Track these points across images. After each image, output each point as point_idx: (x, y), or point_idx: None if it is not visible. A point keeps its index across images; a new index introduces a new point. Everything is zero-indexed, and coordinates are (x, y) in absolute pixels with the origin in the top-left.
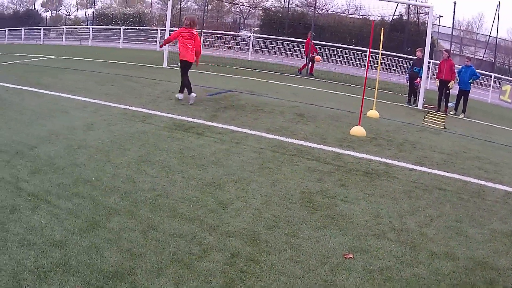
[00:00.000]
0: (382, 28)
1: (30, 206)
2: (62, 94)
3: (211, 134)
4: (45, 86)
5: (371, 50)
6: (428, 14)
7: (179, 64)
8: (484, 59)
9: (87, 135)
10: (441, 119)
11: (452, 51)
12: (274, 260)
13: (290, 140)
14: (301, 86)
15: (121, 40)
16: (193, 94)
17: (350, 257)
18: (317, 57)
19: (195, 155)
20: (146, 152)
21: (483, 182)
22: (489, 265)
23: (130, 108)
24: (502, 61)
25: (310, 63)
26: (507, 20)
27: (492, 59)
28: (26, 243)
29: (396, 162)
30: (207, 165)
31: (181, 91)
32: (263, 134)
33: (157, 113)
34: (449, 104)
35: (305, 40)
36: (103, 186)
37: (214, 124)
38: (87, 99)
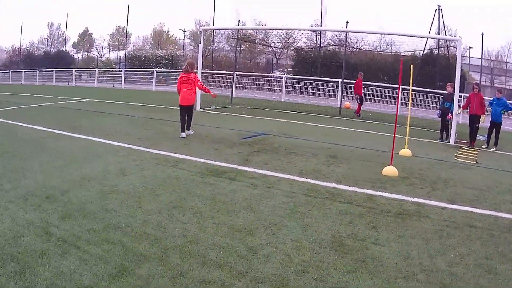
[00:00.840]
0: (412, 65)
1: (59, 251)
2: (95, 139)
3: (244, 178)
4: (79, 130)
5: (402, 86)
6: (456, 47)
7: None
8: None
9: (120, 180)
10: (473, 153)
11: (483, 82)
12: None
13: (322, 183)
14: (334, 127)
15: (154, 82)
16: (183, 134)
17: None
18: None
19: (227, 201)
20: (177, 198)
21: None
22: None
23: (163, 153)
24: None
25: (359, 103)
26: None
27: None
28: None
29: (428, 201)
30: (238, 210)
31: (184, 129)
32: (296, 178)
33: (189, 157)
34: (480, 137)
35: (353, 81)
36: (133, 233)
37: (247, 168)
38: (120, 144)
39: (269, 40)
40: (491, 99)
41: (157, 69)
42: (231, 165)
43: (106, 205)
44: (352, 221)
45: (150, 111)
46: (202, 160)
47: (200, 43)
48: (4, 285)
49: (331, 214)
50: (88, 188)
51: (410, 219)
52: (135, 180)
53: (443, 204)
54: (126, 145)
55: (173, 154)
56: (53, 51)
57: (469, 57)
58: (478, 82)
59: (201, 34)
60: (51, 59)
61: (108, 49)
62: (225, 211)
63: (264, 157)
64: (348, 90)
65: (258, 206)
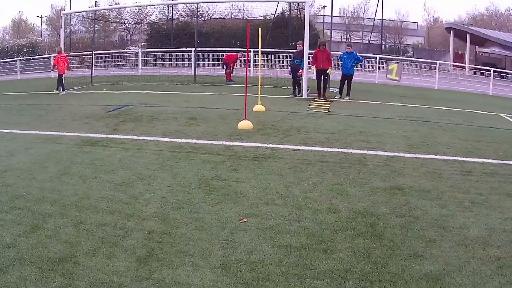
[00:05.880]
0: (260, 28)
1: None
2: None
3: (115, 145)
4: None
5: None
6: (304, 9)
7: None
8: (371, 42)
9: (10, 160)
10: (325, 104)
11: (339, 39)
12: (183, 231)
13: (184, 140)
14: (192, 93)
15: (18, 71)
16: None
17: (244, 221)
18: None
19: (105, 164)
20: (63, 167)
21: (364, 151)
22: (369, 213)
23: (41, 132)
24: (392, 42)
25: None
26: (392, 1)
27: (380, 41)
28: None
29: (281, 146)
30: (116, 169)
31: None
32: (160, 139)
33: (65, 133)
34: (333, 89)
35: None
36: (34, 198)
37: (116, 136)
38: (2, 130)
39: (123, 18)
40: (341, 53)
41: (20, 58)
42: (102, 135)
43: (5, 181)
44: (214, 167)
45: (21, 98)
46: (77, 134)
47: (62, 27)
48: None
49: (196, 164)
50: None
51: (266, 161)
52: (24, 158)
53: (295, 147)
54: (8, 131)
55: (50, 133)
56: None
57: (324, 15)
58: (324, 41)
59: (62, 18)
60: None
61: None
62: (105, 172)
63: (130, 125)
64: (201, 58)
65: (132, 164)
